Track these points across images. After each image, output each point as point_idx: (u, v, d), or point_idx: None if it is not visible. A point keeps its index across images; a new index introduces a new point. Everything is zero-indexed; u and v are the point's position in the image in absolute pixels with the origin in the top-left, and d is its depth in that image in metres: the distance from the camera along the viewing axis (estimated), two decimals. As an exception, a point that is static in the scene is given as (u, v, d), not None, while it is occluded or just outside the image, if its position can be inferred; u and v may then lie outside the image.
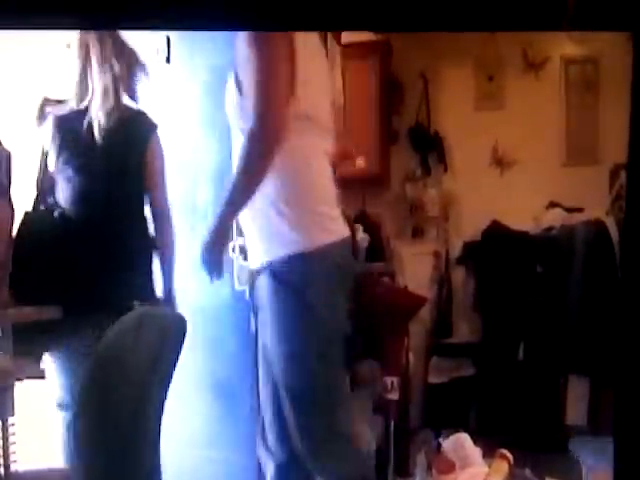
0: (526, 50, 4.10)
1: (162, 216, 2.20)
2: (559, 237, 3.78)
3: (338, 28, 2.40)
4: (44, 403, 2.30)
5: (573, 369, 3.68)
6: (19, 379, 2.21)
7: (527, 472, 2.07)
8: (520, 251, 3.85)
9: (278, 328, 1.63)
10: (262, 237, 1.67)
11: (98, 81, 2.12)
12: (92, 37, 2.12)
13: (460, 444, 2.15)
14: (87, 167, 2.14)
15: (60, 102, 2.21)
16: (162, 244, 2.20)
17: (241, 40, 1.59)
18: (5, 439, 2.25)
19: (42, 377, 2.24)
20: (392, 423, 2.85)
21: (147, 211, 2.23)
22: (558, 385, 3.77)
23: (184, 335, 1.27)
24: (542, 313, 3.75)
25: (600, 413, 3.59)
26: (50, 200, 2.20)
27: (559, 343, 3.64)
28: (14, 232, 2.08)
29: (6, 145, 2.19)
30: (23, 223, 2.12)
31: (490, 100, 4.20)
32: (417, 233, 4.31)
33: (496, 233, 4.00)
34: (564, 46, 4.06)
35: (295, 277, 1.60)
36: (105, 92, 2.10)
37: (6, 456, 2.24)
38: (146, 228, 2.22)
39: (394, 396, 2.78)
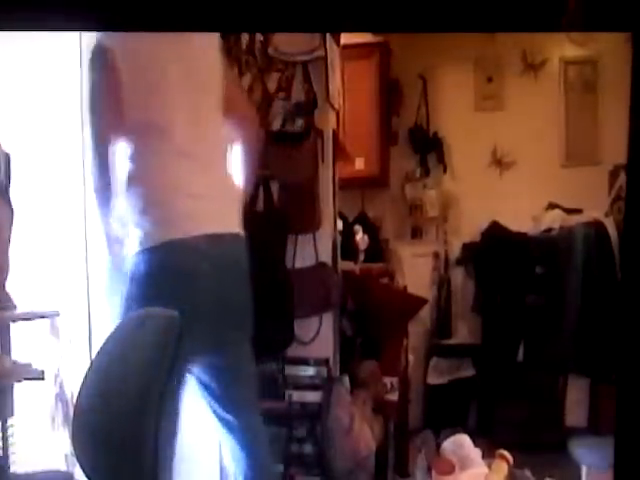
0: (525, 51, 4.11)
1: None
2: (558, 238, 3.78)
3: (337, 29, 2.40)
4: (44, 404, 2.30)
5: (573, 370, 3.69)
6: (19, 380, 2.21)
7: (527, 473, 2.07)
8: (519, 252, 3.86)
9: None
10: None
11: None
12: None
13: (460, 445, 2.15)
14: None
15: None
16: None
17: None
18: (5, 440, 2.26)
19: (42, 378, 2.24)
20: (391, 424, 2.85)
21: None
22: (558, 386, 3.77)
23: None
24: (541, 314, 3.75)
25: (600, 414, 3.60)
26: None
27: (559, 344, 3.64)
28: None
29: (5, 146, 2.20)
30: None
31: (489, 101, 4.20)
32: (416, 234, 4.32)
33: (495, 234, 4.00)
34: (563, 47, 4.07)
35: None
36: None
37: (5, 457, 2.24)
38: None
39: (393, 397, 2.78)
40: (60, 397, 2.46)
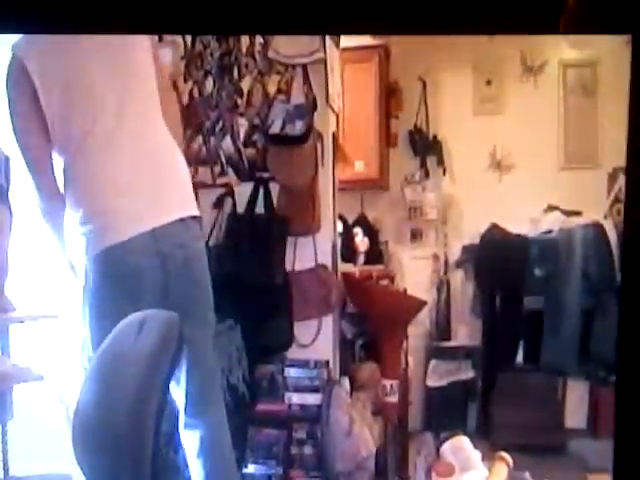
0: (524, 54, 4.12)
1: None
2: (557, 240, 3.78)
3: (337, 32, 2.40)
4: (43, 406, 2.30)
5: (572, 372, 3.69)
6: (18, 382, 2.21)
7: (527, 475, 2.07)
8: (519, 254, 3.86)
9: None
10: None
11: None
12: None
13: (459, 447, 2.15)
14: None
15: None
16: None
17: None
18: (4, 442, 2.25)
19: (41, 380, 2.24)
20: (391, 426, 2.85)
21: None
22: (557, 388, 3.78)
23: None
24: (541, 316, 3.75)
25: (599, 416, 3.60)
26: None
27: (558, 346, 3.64)
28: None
29: (5, 149, 2.20)
30: None
31: (488, 104, 4.21)
32: (416, 236, 4.32)
33: (495, 236, 4.00)
34: (562, 50, 4.08)
35: None
36: None
37: (5, 459, 2.24)
38: None
39: (393, 399, 2.78)
40: (59, 399, 2.46)
